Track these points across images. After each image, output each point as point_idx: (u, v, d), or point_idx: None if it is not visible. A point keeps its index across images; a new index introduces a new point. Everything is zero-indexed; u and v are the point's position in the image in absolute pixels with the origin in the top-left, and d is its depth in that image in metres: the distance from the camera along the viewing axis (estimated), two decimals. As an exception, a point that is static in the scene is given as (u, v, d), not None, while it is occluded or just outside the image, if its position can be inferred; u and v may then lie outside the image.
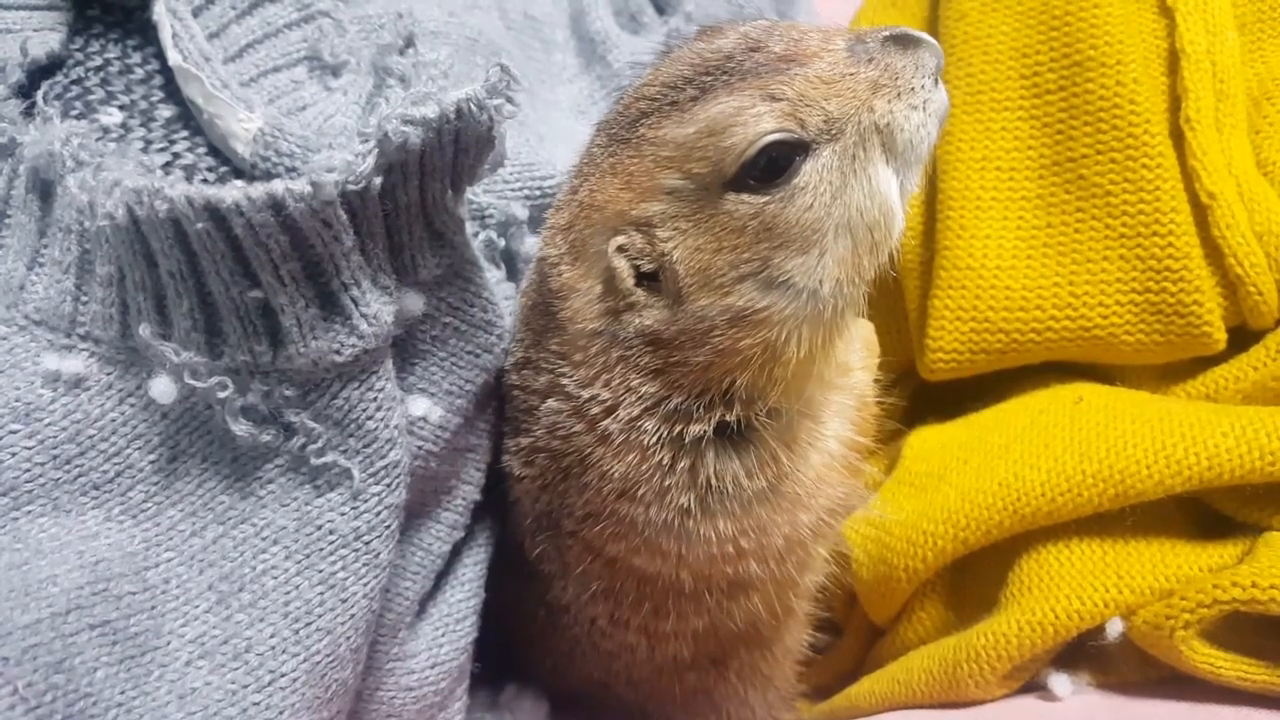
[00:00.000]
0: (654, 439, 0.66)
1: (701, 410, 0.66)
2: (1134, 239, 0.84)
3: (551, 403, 0.69)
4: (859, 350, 0.79)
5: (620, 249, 0.63)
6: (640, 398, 0.66)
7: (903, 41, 0.64)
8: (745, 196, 0.61)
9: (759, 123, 0.60)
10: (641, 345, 0.65)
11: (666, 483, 0.67)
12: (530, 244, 0.83)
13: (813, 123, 0.61)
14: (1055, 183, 0.87)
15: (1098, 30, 0.85)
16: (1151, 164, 0.83)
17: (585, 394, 0.67)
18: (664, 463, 0.67)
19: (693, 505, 0.68)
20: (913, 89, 0.63)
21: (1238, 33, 0.89)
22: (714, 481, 0.68)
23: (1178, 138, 0.85)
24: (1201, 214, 0.84)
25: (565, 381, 0.68)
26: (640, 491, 0.68)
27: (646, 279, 0.64)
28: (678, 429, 0.66)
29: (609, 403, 0.67)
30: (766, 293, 0.62)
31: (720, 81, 0.62)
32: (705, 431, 0.67)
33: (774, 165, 0.61)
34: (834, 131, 0.62)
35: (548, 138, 0.90)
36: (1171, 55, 0.87)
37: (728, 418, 0.67)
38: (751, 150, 0.60)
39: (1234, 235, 0.83)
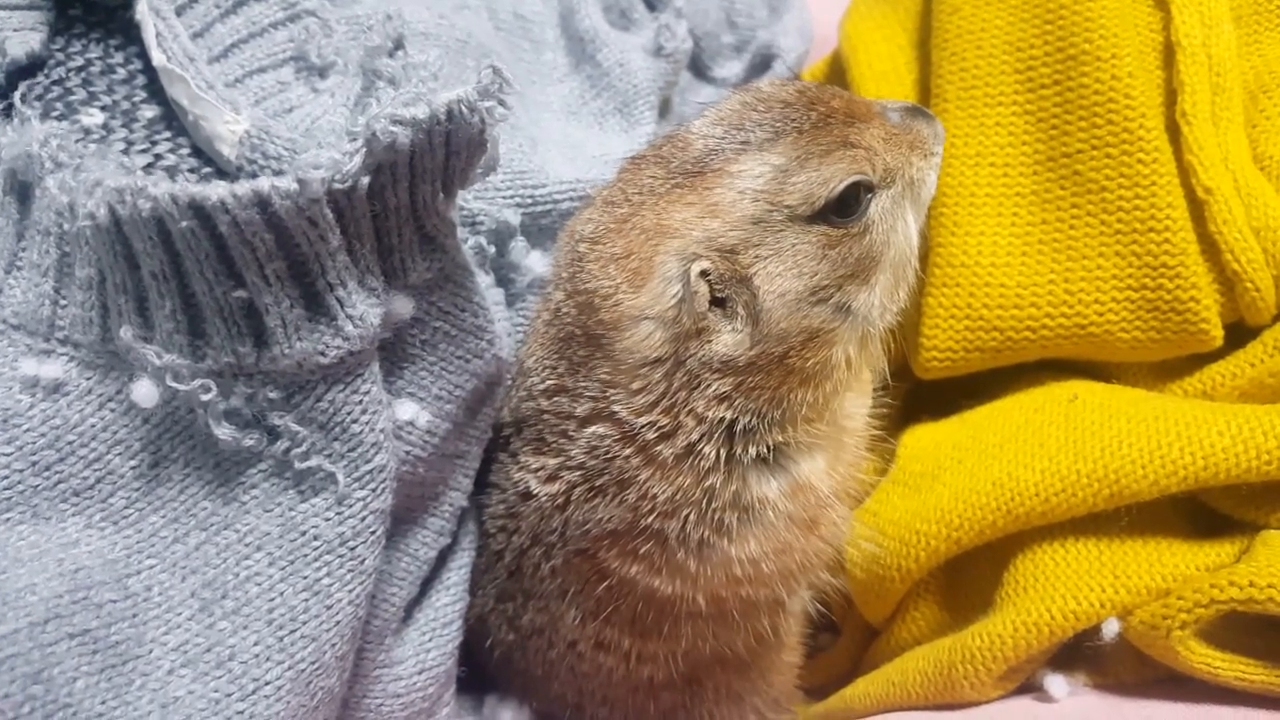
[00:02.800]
0: (710, 463, 0.68)
1: (763, 431, 0.69)
2: (1130, 235, 0.83)
3: (596, 428, 0.70)
4: (860, 400, 0.82)
5: (703, 273, 0.65)
6: (703, 422, 0.67)
7: (918, 113, 0.75)
8: (827, 229, 0.67)
9: (850, 164, 0.68)
10: (711, 370, 0.66)
11: (713, 505, 0.69)
12: (519, 249, 0.82)
13: (879, 170, 0.70)
14: (1050, 178, 0.86)
15: (1092, 24, 0.84)
16: (1147, 159, 0.82)
17: (640, 420, 0.68)
18: (714, 485, 0.69)
19: (732, 525, 0.70)
20: (934, 152, 0.75)
21: (1234, 25, 0.87)
22: (755, 504, 0.70)
23: (1174, 132, 0.84)
24: (1198, 209, 0.83)
25: (617, 409, 0.68)
26: (684, 512, 0.69)
27: (715, 304, 0.66)
28: (735, 451, 0.69)
29: (666, 428, 0.68)
30: (835, 315, 0.68)
31: (791, 127, 0.69)
32: (757, 453, 0.69)
33: (844, 203, 0.68)
34: (889, 180, 0.71)
35: (540, 142, 0.89)
36: (1167, 48, 0.86)
37: (780, 439, 0.70)
38: (840, 187, 0.67)
39: (1231, 231, 0.82)
